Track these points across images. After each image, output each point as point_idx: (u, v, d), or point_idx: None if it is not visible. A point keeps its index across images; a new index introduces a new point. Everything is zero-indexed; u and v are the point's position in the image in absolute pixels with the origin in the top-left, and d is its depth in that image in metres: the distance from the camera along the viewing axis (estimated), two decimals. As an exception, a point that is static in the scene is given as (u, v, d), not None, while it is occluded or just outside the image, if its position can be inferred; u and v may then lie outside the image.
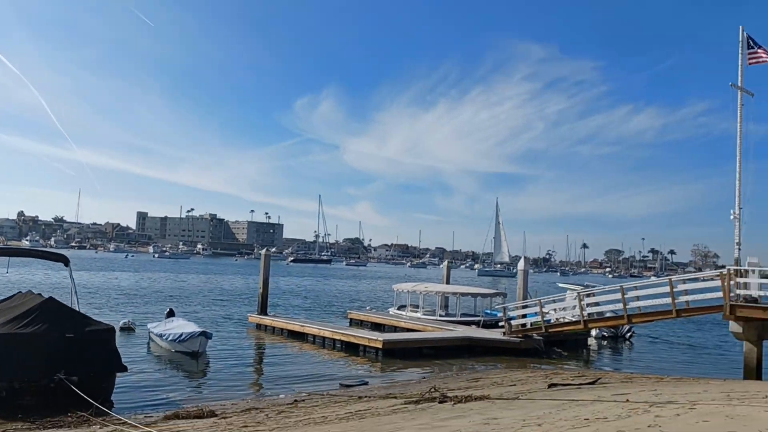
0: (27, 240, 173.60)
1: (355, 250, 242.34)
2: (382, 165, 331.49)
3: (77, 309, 15.90)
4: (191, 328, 22.32)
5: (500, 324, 27.23)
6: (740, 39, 19.91)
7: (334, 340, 24.91)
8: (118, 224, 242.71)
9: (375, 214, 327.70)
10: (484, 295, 30.55)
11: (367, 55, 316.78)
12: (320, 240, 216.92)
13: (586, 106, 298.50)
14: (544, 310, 24.96)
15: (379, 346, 22.82)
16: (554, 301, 25.72)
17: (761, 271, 19.61)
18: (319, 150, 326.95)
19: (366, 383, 18.05)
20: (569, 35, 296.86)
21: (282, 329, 27.95)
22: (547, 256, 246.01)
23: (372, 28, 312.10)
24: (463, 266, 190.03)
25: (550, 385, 14.55)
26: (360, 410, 11.42)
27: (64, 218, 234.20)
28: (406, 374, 20.37)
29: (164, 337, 22.57)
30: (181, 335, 21.67)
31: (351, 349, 24.10)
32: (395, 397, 13.38)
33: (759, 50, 19.18)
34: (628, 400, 10.41)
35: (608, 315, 23.86)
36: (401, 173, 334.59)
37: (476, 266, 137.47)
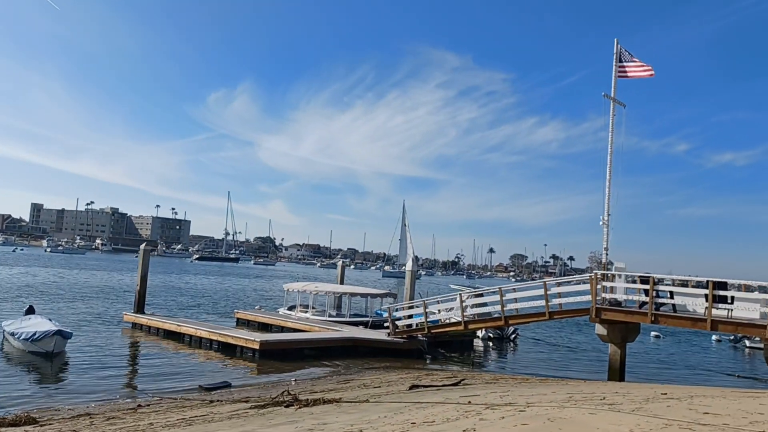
0: None
1: (265, 249, 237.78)
2: (296, 164, 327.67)
3: None
4: (47, 326, 20.54)
5: (385, 325, 27.02)
6: (615, 51, 20.67)
7: (211, 340, 23.77)
8: (9, 216, 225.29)
9: (288, 214, 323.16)
10: (374, 296, 30.28)
11: (285, 52, 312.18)
12: (229, 238, 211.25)
13: (496, 116, 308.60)
14: (427, 310, 24.98)
15: (256, 347, 21.95)
16: (438, 302, 25.77)
17: (627, 276, 20.46)
18: (231, 146, 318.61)
19: (229, 385, 17.17)
20: (483, 47, 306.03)
21: (158, 329, 26.41)
22: (456, 260, 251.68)
23: (290, 26, 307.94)
24: (373, 267, 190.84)
25: (412, 387, 14.31)
26: (196, 416, 10.61)
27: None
28: (280, 376, 19.63)
29: (17, 336, 20.66)
30: (34, 334, 19.89)
31: (228, 350, 23.06)
32: (247, 401, 12.65)
33: (627, 64, 19.94)
34: (470, 402, 10.23)
35: (486, 316, 24.25)
36: (315, 173, 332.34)
37: (386, 267, 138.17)
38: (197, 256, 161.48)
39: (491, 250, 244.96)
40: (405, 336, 25.55)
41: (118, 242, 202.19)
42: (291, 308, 32.70)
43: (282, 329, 28.91)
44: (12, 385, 16.28)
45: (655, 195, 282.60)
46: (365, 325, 28.86)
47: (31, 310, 24.52)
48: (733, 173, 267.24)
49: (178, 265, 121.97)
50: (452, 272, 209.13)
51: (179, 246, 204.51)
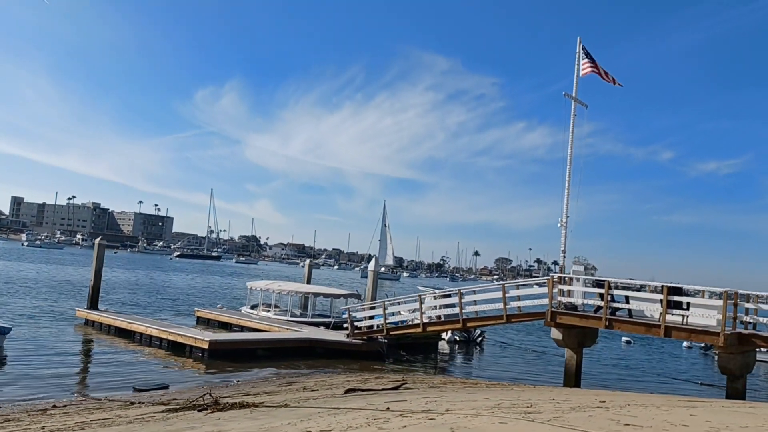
0: None
1: (249, 248, 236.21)
2: (284, 163, 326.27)
3: None
4: (-17, 321, 19.72)
5: (344, 326, 26.41)
6: (577, 50, 20.22)
7: (161, 339, 23.02)
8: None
9: (275, 213, 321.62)
10: (337, 296, 29.64)
11: (274, 51, 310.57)
12: (213, 235, 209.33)
13: (484, 120, 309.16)
14: (387, 312, 24.40)
15: (205, 346, 21.25)
16: (399, 303, 25.18)
17: (585, 279, 19.98)
18: (219, 144, 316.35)
19: (165, 387, 16.46)
20: (472, 51, 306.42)
21: (110, 326, 25.61)
22: (442, 262, 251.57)
23: (279, 25, 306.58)
24: (357, 268, 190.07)
25: (348, 391, 13.70)
26: (97, 420, 9.93)
27: None
28: (225, 377, 18.96)
29: (-48, 331, 19.83)
30: (-32, 329, 19.08)
31: (177, 349, 22.34)
32: (167, 404, 11.98)
33: (585, 62, 19.51)
34: (389, 408, 9.63)
35: (451, 318, 23.70)
36: (303, 173, 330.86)
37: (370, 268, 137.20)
38: (178, 253, 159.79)
39: (476, 253, 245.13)
40: (364, 337, 24.95)
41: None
42: (254, 307, 31.98)
43: (242, 329, 28.21)
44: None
45: (640, 202, 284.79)
46: (327, 325, 28.23)
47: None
48: (717, 182, 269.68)
49: (157, 262, 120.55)
50: (437, 274, 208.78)
51: (161, 243, 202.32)
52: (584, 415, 8.97)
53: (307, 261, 38.51)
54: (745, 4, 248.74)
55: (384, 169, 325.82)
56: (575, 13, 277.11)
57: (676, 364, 33.47)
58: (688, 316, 17.16)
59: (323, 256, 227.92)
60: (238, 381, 17.84)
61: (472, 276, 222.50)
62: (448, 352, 30.10)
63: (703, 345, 37.99)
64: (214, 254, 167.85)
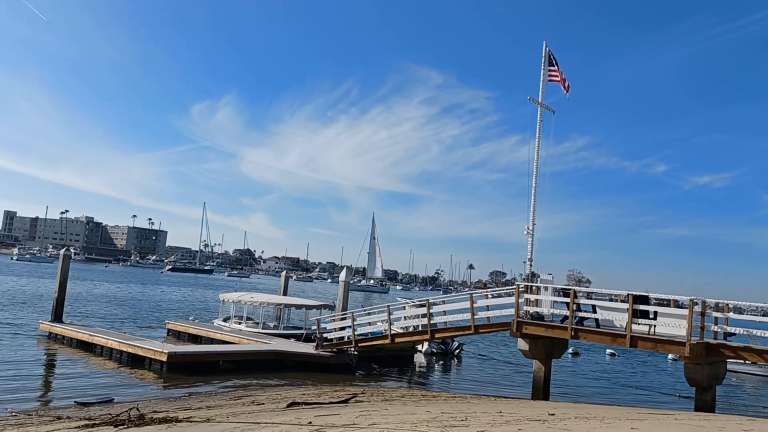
0: None
1: (243, 262, 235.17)
2: (279, 177, 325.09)
3: None
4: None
5: (313, 337, 25.73)
6: (543, 55, 19.83)
7: (121, 351, 22.33)
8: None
9: (270, 226, 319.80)
10: (309, 307, 28.99)
11: (269, 65, 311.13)
12: (207, 249, 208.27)
13: (478, 134, 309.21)
14: (356, 323, 23.77)
15: (164, 359, 20.56)
16: (369, 314, 24.53)
17: (554, 288, 19.42)
18: (214, 158, 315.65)
19: (110, 401, 15.79)
20: (466, 65, 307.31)
21: (72, 339, 24.91)
22: (436, 275, 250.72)
23: (275, 39, 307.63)
24: (351, 281, 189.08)
25: (290, 405, 13.06)
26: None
27: None
28: (181, 391, 18.26)
29: None
30: None
31: (137, 362, 21.66)
32: (91, 419, 11.33)
33: (552, 68, 19.11)
34: (311, 423, 9.04)
35: (436, 327, 23.09)
36: (298, 186, 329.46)
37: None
38: (170, 267, 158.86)
39: (471, 267, 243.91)
40: (334, 350, 24.30)
41: (92, 252, 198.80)
42: (227, 319, 31.30)
43: (212, 341, 27.53)
44: None
45: (634, 215, 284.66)
46: (298, 337, 27.56)
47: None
48: (711, 195, 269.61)
49: (148, 275, 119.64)
50: (430, 287, 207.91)
51: (154, 257, 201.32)
52: (514, 428, 8.39)
53: (283, 273, 37.89)
54: (738, 19, 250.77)
55: (379, 182, 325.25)
56: (569, 29, 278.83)
57: (660, 376, 32.85)
58: (655, 326, 16.61)
59: (317, 270, 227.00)
60: (189, 395, 17.16)
61: (467, 289, 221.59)
62: (424, 364, 29.43)
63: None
64: (206, 268, 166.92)
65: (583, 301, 18.01)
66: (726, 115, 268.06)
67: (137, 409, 11.26)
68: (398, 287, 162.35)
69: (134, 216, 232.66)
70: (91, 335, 23.93)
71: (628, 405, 20.54)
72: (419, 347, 31.04)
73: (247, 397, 15.87)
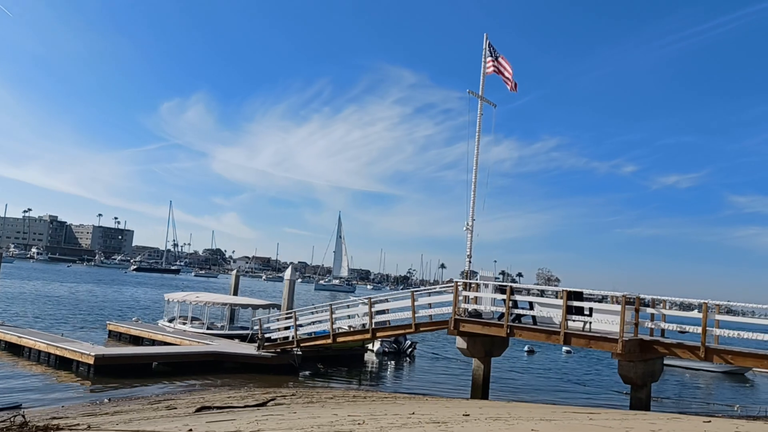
0: None
1: (213, 261, 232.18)
2: (251, 176, 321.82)
3: None
4: None
5: (255, 337, 24.99)
6: (484, 47, 19.42)
7: (48, 353, 21.33)
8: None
9: (243, 226, 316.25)
10: (256, 306, 28.20)
11: (241, 63, 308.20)
12: (176, 249, 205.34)
13: (452, 134, 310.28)
14: (299, 322, 23.12)
15: (91, 361, 19.65)
16: (312, 313, 23.87)
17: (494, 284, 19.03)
18: (185, 156, 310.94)
19: (17, 406, 14.87)
20: (439, 65, 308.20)
21: (0, 341, 23.79)
22: (408, 274, 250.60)
23: (247, 37, 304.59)
24: (321, 281, 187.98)
25: (200, 409, 12.37)
26: None
27: None
28: (105, 395, 17.37)
29: None
30: None
31: (65, 364, 20.69)
32: (-25, 426, 10.48)
33: (489, 59, 18.70)
34: (190, 431, 8.40)
35: (352, 328, 22.59)
36: (271, 186, 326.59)
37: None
38: (135, 267, 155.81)
39: (442, 266, 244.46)
40: (278, 350, 23.61)
41: (55, 251, 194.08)
42: (172, 320, 30.35)
43: (153, 342, 26.61)
44: None
45: (604, 215, 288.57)
46: (244, 338, 26.78)
47: None
48: (678, 195, 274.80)
49: (111, 275, 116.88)
50: (401, 287, 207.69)
51: (120, 256, 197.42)
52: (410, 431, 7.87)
53: (234, 271, 37.01)
54: (706, 22, 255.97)
55: (353, 182, 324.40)
56: (540, 33, 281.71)
57: (613, 373, 32.83)
58: (590, 323, 16.31)
59: (288, 269, 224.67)
60: (109, 399, 16.32)
61: (437, 288, 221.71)
62: (376, 364, 28.90)
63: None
64: (173, 268, 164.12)
65: (519, 297, 17.63)
66: (693, 117, 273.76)
67: (23, 416, 10.46)
68: (369, 287, 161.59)
69: (100, 215, 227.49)
70: (19, 337, 22.85)
71: (568, 402, 20.30)
72: (370, 346, 30.52)
73: (164, 402, 15.11)
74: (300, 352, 23.71)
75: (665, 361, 36.04)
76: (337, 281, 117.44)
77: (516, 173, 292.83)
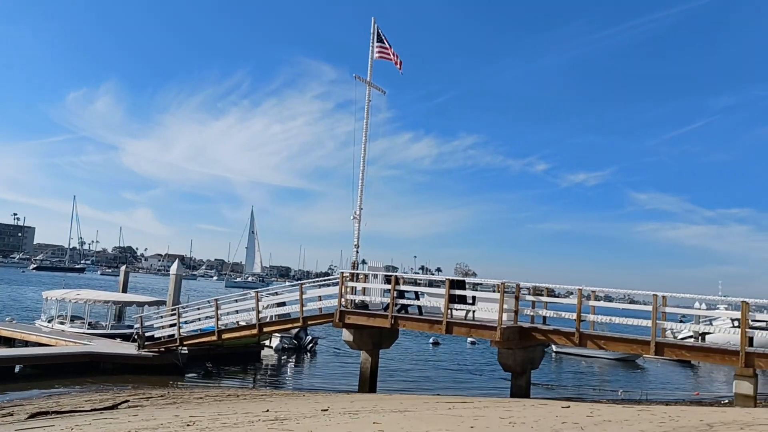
0: None
1: (123, 260, 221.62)
2: (165, 171, 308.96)
3: None
4: None
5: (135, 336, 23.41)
6: (372, 31, 18.89)
7: None
8: None
9: (156, 223, 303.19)
10: (141, 303, 26.54)
11: (152, 52, 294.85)
12: (84, 246, 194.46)
13: (372, 130, 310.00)
14: (182, 319, 21.83)
15: (-62, 366, 17.64)
16: (198, 309, 22.62)
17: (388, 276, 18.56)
18: (93, 149, 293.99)
19: None
20: (359, 61, 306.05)
21: None
22: (330, 271, 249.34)
23: (160, 25, 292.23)
24: (239, 278, 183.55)
25: (34, 415, 11.10)
26: None
27: None
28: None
29: None
30: None
31: None
32: None
33: (379, 45, 18.23)
34: None
35: (285, 320, 21.54)
36: (186, 181, 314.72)
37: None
38: (35, 266, 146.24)
39: (363, 262, 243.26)
40: (161, 349, 22.20)
41: None
42: (51, 320, 28.08)
43: (26, 343, 24.47)
44: None
45: (517, 210, 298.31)
46: (128, 337, 25.07)
47: None
48: (585, 192, 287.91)
49: (8, 274, 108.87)
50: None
51: (20, 255, 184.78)
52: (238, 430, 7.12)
53: (123, 267, 34.97)
54: (609, 27, 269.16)
55: (273, 177, 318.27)
56: (457, 30, 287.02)
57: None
58: (474, 311, 16.14)
59: (203, 267, 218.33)
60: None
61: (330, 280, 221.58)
62: (274, 361, 27.92)
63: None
64: (77, 266, 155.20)
65: (405, 287, 17.26)
66: (598, 117, 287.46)
67: None
68: (287, 283, 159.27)
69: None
70: None
71: (458, 392, 20.21)
72: (268, 343, 29.51)
73: (6, 408, 13.60)
74: (186, 351, 22.43)
75: (563, 350, 37.35)
76: (252, 278, 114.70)
77: (435, 170, 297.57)
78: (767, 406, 13.57)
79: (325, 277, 20.53)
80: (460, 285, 16.21)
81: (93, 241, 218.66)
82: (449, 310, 16.05)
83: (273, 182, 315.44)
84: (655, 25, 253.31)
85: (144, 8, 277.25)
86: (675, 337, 38.40)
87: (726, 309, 39.88)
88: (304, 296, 19.02)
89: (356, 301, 17.78)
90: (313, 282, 20.89)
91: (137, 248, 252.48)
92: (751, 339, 12.77)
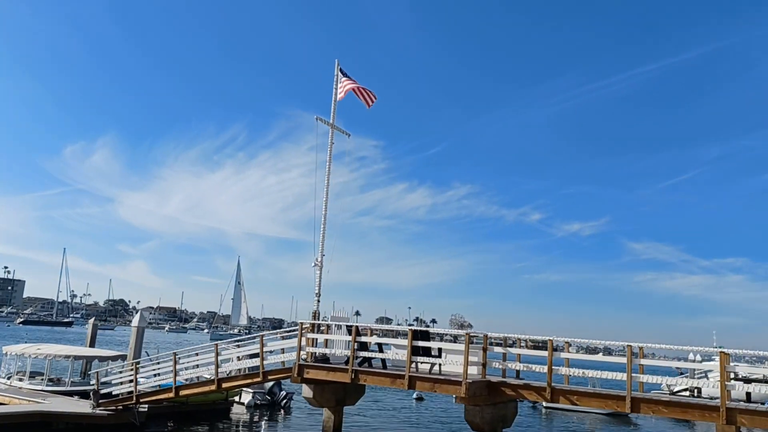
0: None
1: (114, 312, 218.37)
2: (161, 223, 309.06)
3: None
4: None
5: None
6: (335, 72, 18.47)
7: None
8: None
9: (151, 275, 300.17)
10: (102, 358, 25.21)
11: (150, 106, 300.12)
12: (74, 300, 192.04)
13: (366, 181, 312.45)
14: (139, 375, 20.57)
15: None
16: (158, 363, 21.38)
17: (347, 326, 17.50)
18: (89, 202, 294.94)
19: None
20: (353, 114, 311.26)
21: None
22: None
23: (157, 80, 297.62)
24: (230, 331, 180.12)
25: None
26: None
27: None
28: None
29: None
30: None
31: None
32: None
33: (347, 80, 17.75)
34: None
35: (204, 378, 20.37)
36: (182, 233, 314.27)
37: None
38: (22, 319, 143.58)
39: (357, 313, 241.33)
40: (119, 406, 20.84)
41: None
42: (10, 376, 26.64)
43: (-22, 402, 23.04)
44: None
45: (512, 261, 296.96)
46: (82, 394, 23.69)
47: None
48: (581, 242, 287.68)
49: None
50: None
51: (9, 308, 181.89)
52: None
53: (91, 320, 33.69)
54: (599, 80, 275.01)
55: (268, 228, 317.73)
56: (449, 82, 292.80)
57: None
58: (440, 364, 15.05)
59: (195, 320, 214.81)
60: None
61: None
62: (244, 418, 26.38)
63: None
64: (65, 320, 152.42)
65: (365, 339, 16.19)
66: (590, 168, 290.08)
67: None
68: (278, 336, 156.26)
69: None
70: None
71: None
72: (238, 399, 28.04)
73: None
74: (145, 409, 21.09)
75: (553, 405, 35.81)
76: (237, 330, 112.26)
77: (430, 220, 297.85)
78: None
79: (290, 328, 19.43)
80: (425, 336, 15.17)
81: (84, 294, 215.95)
82: (414, 364, 15.02)
83: (268, 233, 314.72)
84: (643, 78, 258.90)
85: (139, 62, 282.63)
86: (671, 392, 37.05)
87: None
88: (265, 349, 17.89)
89: (317, 355, 16.66)
90: (275, 333, 19.77)
91: (130, 301, 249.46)
92: (748, 394, 11.74)
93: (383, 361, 16.13)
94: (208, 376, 21.51)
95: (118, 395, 21.29)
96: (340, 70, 18.12)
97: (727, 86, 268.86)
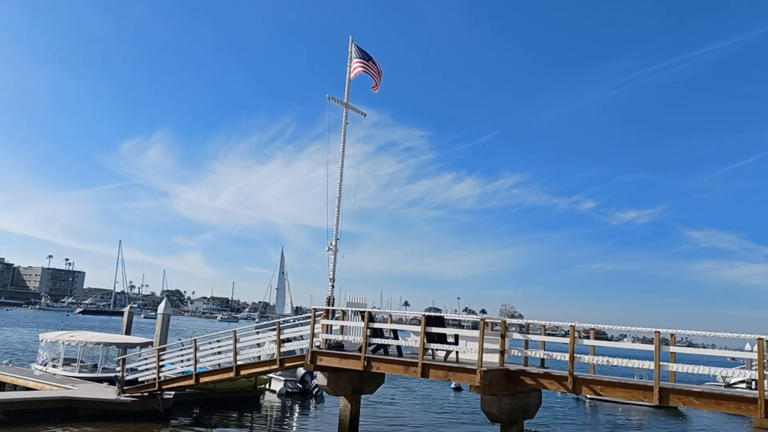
0: None
1: (170, 303, 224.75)
2: (214, 215, 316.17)
3: None
4: None
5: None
6: (349, 51, 17.69)
7: None
8: None
9: (206, 266, 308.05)
10: (132, 345, 25.35)
11: (203, 102, 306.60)
12: (132, 290, 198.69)
13: (414, 171, 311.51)
14: (161, 363, 20.48)
15: None
16: (181, 350, 21.27)
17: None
18: (145, 196, 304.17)
19: None
20: (400, 104, 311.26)
21: None
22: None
23: (208, 75, 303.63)
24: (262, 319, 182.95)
25: None
26: None
27: None
28: None
29: None
30: None
31: None
32: None
33: (359, 61, 16.97)
34: None
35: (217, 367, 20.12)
36: (234, 225, 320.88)
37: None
38: (81, 309, 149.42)
39: (406, 303, 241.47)
40: (144, 393, 20.86)
41: (1, 295, 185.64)
42: (46, 363, 27.19)
43: (15, 387, 23.58)
44: None
45: (565, 250, 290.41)
46: (112, 380, 23.87)
47: None
48: (636, 230, 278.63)
49: (52, 318, 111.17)
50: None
51: (70, 299, 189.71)
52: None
53: (127, 308, 34.15)
54: (656, 63, 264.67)
55: (317, 220, 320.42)
56: (499, 70, 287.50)
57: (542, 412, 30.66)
58: (457, 351, 14.20)
59: (246, 309, 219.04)
60: None
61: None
62: (275, 406, 26.12)
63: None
64: (122, 310, 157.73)
65: (379, 325, 15.48)
66: (647, 154, 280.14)
67: None
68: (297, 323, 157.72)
69: (50, 256, 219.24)
70: None
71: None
72: (270, 386, 27.88)
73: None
74: (171, 396, 21.03)
75: (597, 397, 34.37)
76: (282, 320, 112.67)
77: (479, 210, 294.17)
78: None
79: (305, 315, 18.91)
80: (439, 322, 14.34)
81: (142, 285, 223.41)
82: (430, 351, 14.24)
83: (316, 225, 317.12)
84: (703, 59, 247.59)
85: (191, 58, 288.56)
86: (726, 384, 34.92)
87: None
88: (282, 335, 17.45)
89: (331, 342, 16.07)
90: (292, 320, 19.30)
91: (185, 291, 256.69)
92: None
93: (398, 348, 15.39)
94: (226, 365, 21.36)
95: (142, 382, 21.32)
96: (357, 48, 17.34)
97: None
